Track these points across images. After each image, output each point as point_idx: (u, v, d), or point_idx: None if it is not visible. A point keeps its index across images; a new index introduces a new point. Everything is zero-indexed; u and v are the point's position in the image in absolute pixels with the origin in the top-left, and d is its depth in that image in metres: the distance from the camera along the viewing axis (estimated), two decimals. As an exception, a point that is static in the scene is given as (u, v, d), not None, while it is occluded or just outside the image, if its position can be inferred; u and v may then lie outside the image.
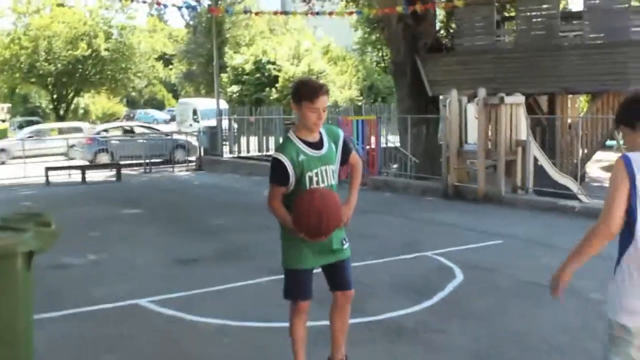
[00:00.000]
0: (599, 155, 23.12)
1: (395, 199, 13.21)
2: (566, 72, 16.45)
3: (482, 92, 12.27)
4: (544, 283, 6.60)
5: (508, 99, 12.04)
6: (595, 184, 17.63)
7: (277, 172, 3.92)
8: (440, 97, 19.09)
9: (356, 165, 4.23)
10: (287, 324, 5.38)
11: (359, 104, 36.81)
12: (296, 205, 3.81)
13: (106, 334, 5.37)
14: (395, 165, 18.09)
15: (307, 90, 3.88)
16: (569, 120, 17.86)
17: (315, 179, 3.93)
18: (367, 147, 15.29)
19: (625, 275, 2.97)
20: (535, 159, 12.35)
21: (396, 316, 5.65)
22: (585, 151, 17.02)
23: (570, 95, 18.96)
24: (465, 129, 12.97)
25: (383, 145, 16.76)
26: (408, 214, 11.26)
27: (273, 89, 39.72)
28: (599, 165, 23.30)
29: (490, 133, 12.42)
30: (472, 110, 12.73)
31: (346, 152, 4.14)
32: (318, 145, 3.99)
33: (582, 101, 27.39)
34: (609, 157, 25.98)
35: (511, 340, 5.06)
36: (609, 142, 23.99)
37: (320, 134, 4.03)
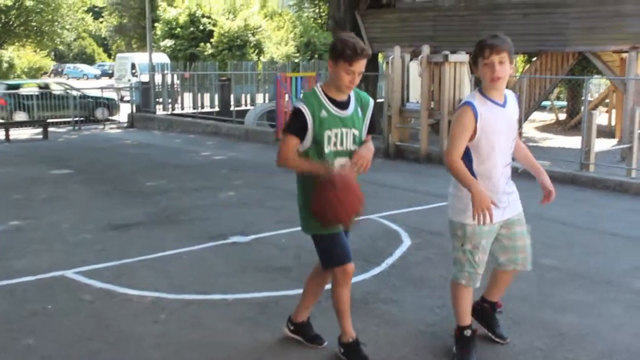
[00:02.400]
0: (532, 115, 23.33)
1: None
2: (506, 32, 16.22)
3: (425, 49, 12.00)
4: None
5: (452, 58, 11.80)
6: (530, 144, 17.74)
7: (295, 121, 3.67)
8: (380, 54, 18.87)
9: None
10: (226, 296, 5.08)
11: (296, 60, 36.23)
12: (316, 197, 3.64)
13: (26, 311, 4.84)
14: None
15: (347, 50, 3.55)
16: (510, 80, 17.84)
17: (333, 139, 3.70)
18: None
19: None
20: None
21: (344, 286, 5.34)
22: (523, 111, 17.03)
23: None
24: (407, 88, 12.69)
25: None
26: (350, 174, 10.93)
27: (208, 44, 38.66)
28: (533, 126, 23.52)
29: (433, 91, 12.18)
30: (414, 68, 12.44)
31: (371, 122, 3.90)
32: (343, 105, 3.74)
33: (518, 61, 27.53)
34: (543, 117, 26.33)
35: (465, 311, 4.82)
36: (544, 103, 24.26)
37: (349, 95, 3.77)
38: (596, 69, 18.07)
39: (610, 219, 7.85)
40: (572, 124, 21.79)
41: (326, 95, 3.71)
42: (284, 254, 6.26)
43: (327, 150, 3.68)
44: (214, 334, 4.43)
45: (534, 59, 18.05)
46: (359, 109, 3.78)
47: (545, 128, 22.87)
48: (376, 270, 5.73)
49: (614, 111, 21.22)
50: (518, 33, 16.32)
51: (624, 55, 15.58)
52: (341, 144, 3.71)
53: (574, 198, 8.95)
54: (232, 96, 21.16)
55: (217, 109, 21.48)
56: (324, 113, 3.65)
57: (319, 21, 44.08)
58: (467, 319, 4.02)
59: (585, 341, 4.33)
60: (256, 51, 40.33)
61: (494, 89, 3.73)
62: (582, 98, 14.81)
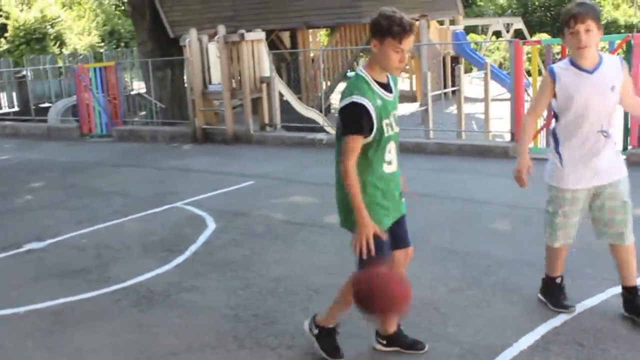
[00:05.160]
0: (342, 87, 23.98)
1: (142, 148, 12.50)
2: (305, 7, 16.63)
3: (221, 29, 11.90)
4: (297, 221, 6.58)
5: (248, 36, 11.80)
6: (341, 115, 18.26)
7: (362, 119, 3.23)
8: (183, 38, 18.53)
9: None
10: (17, 310, 4.77)
11: (101, 50, 34.80)
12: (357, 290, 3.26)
13: None
14: (143, 113, 17.30)
15: (394, 27, 3.18)
16: (312, 55, 18.21)
17: (389, 125, 3.36)
18: (109, 96, 14.26)
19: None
20: (281, 95, 12.33)
21: (145, 280, 5.17)
22: (329, 83, 17.47)
23: (310, 30, 19.29)
24: (208, 70, 12.53)
25: (132, 92, 15.89)
26: (156, 163, 10.68)
27: (2, 39, 36.11)
28: (342, 96, 24.28)
29: (233, 71, 12.13)
30: (213, 49, 12.31)
31: None
32: (388, 87, 3.41)
33: (322, 35, 28.19)
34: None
35: (269, 289, 4.84)
36: (349, 74, 25.08)
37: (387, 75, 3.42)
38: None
39: (407, 179, 8.22)
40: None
41: (373, 79, 3.34)
42: (84, 255, 5.95)
43: (383, 139, 3.35)
44: (3, 352, 4.12)
45: (334, 31, 18.52)
46: (395, 87, 3.50)
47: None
48: (179, 259, 5.60)
49: (415, 77, 22.38)
50: (316, 8, 16.71)
51: (416, 23, 16.40)
52: (392, 128, 3.40)
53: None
54: (31, 93, 19.90)
55: (16, 108, 20.14)
56: (379, 101, 3.30)
57: (122, 8, 42.56)
58: (552, 271, 4.22)
59: (381, 301, 4.49)
60: (57, 43, 38.27)
61: (581, 57, 3.74)
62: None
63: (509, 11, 41.23)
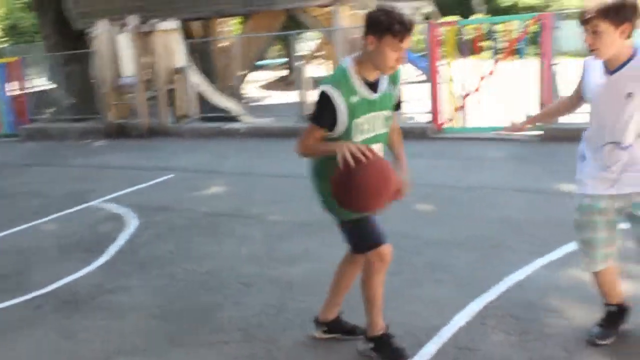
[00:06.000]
0: (255, 75, 23.77)
1: (53, 146, 12.03)
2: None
3: (132, 20, 11.54)
4: (221, 212, 6.45)
5: (161, 26, 11.48)
6: (256, 104, 18.08)
7: (325, 111, 3.08)
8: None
9: (395, 124, 3.45)
10: None
11: (2, 46, 33.35)
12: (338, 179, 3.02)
13: None
14: (52, 110, 16.66)
15: (396, 25, 2.95)
16: (225, 44, 17.95)
17: (366, 126, 3.16)
18: (14, 93, 13.64)
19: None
20: (196, 85, 12.08)
21: (66, 284, 4.93)
22: (242, 72, 17.26)
23: (222, 19, 19.00)
24: (120, 62, 12.14)
25: (38, 88, 15.28)
26: (69, 161, 10.28)
27: None
28: (256, 85, 24.03)
29: (146, 63, 11.80)
30: (124, 40, 11.92)
31: (398, 100, 3.33)
32: (375, 86, 3.17)
33: (235, 24, 27.84)
34: (266, 75, 26.99)
35: (200, 282, 4.71)
36: (261, 62, 24.91)
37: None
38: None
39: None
40: (291, 79, 22.57)
41: (359, 76, 3.12)
42: (1, 260, 5.64)
43: (355, 140, 3.13)
44: None
45: (247, 19, 18.29)
46: (391, 85, 3.25)
47: (269, 86, 23.47)
48: (101, 260, 5.37)
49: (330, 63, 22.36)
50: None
51: (329, 9, 16.36)
52: (371, 129, 3.19)
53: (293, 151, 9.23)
54: None
55: None
56: (355, 98, 3.09)
57: (26, 0, 40.87)
58: (610, 298, 3.53)
59: (314, 286, 4.41)
60: (-46, 39, 36.45)
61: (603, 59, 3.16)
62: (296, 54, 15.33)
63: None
